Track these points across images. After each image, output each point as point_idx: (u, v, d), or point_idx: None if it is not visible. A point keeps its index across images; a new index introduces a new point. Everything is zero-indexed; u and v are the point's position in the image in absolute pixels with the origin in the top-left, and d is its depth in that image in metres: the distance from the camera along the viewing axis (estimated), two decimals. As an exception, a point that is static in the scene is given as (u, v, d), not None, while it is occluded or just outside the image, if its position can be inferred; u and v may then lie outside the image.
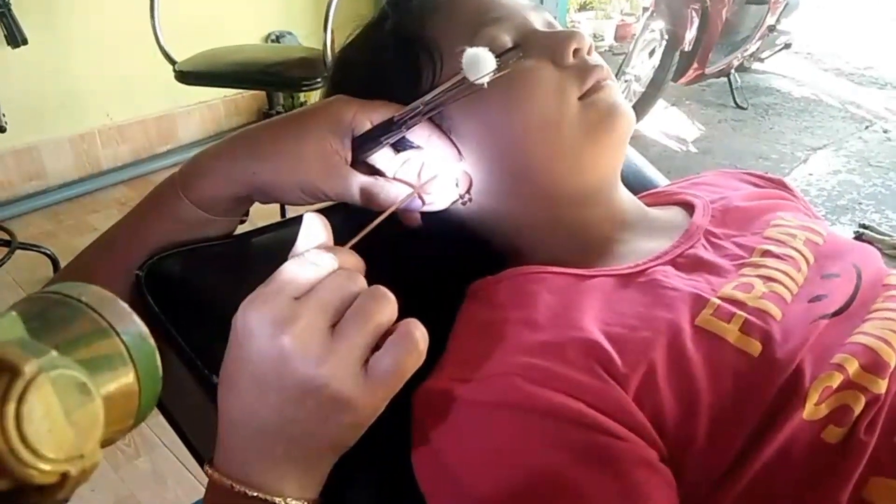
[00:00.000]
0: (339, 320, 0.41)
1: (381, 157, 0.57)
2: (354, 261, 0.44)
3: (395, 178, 0.58)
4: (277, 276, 0.42)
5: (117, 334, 0.27)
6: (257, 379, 0.41)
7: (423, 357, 0.42)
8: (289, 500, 0.43)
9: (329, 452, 0.45)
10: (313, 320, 0.40)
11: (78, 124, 2.70)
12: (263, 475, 0.43)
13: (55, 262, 2.12)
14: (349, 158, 0.56)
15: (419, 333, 0.42)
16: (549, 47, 0.58)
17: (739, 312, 0.50)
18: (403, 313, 0.44)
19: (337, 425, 0.42)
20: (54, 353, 0.23)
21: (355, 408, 0.41)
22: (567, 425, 0.45)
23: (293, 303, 0.40)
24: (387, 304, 0.42)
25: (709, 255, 0.58)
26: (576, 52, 0.58)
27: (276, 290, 0.41)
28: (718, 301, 0.51)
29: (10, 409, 0.21)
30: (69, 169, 2.70)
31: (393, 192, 0.56)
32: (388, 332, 0.42)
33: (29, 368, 0.21)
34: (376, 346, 0.41)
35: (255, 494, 0.43)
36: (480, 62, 0.51)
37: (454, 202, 0.60)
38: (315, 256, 0.42)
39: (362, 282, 0.43)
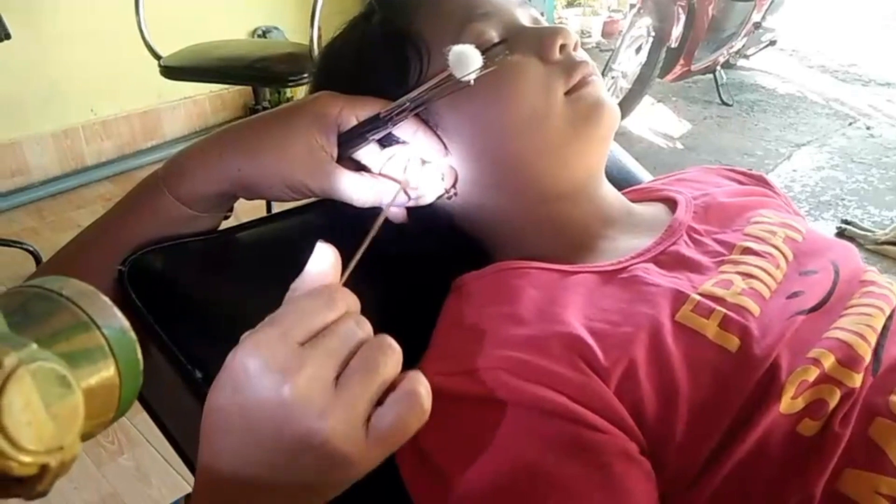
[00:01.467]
0: (343, 371, 0.39)
1: (367, 153, 0.58)
2: (353, 301, 0.42)
3: (380, 174, 0.58)
4: (284, 317, 0.39)
5: (98, 328, 0.27)
6: (252, 426, 0.38)
7: (427, 415, 0.39)
8: None
9: (319, 501, 0.42)
10: (319, 370, 0.37)
11: (62, 120, 2.68)
12: None
13: (38, 259, 2.10)
14: (335, 154, 0.56)
15: (423, 390, 0.39)
16: (536, 43, 0.58)
17: (718, 308, 0.51)
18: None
19: (332, 480, 0.40)
20: (34, 345, 0.23)
21: (352, 465, 0.38)
22: (550, 418, 0.46)
23: (298, 350, 0.38)
24: (392, 356, 0.39)
25: (690, 251, 0.59)
26: (562, 47, 0.58)
27: (282, 333, 0.38)
28: (698, 297, 0.52)
29: (-10, 401, 0.21)
30: (52, 165, 2.68)
31: (378, 188, 0.56)
32: (392, 385, 0.39)
33: (9, 361, 0.22)
34: (379, 400, 0.39)
35: None
36: (467, 59, 0.51)
37: (440, 196, 0.60)
38: (328, 300, 0.40)
39: (368, 328, 0.40)
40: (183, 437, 0.65)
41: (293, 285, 0.41)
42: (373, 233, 0.45)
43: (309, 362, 0.37)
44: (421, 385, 0.39)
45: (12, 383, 0.21)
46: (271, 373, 0.37)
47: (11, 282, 2.09)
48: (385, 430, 0.38)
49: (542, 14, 0.64)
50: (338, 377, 0.38)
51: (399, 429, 0.39)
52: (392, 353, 0.40)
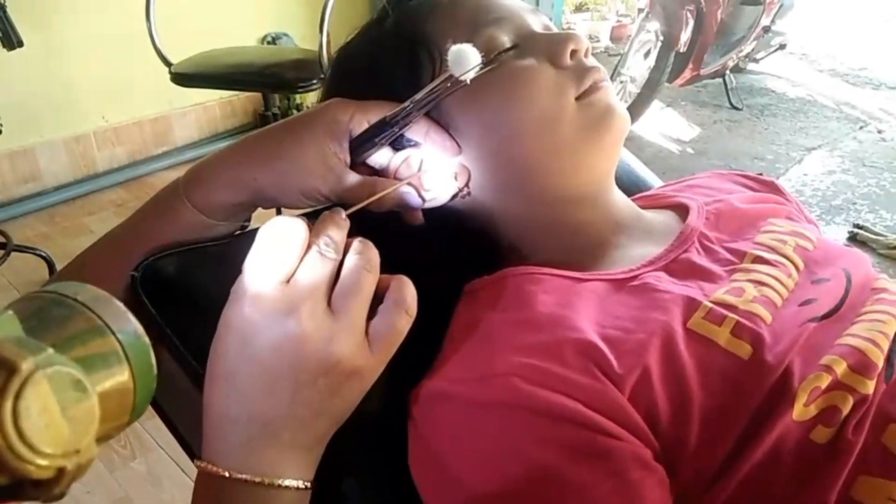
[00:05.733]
0: (333, 293, 0.44)
1: (380, 157, 0.58)
2: (319, 223, 0.47)
3: (394, 178, 0.58)
4: (261, 263, 0.43)
5: (112, 333, 0.28)
6: (267, 371, 0.43)
7: (415, 313, 0.46)
8: (288, 481, 0.45)
9: (333, 427, 0.47)
10: (314, 304, 0.42)
11: (74, 126, 2.70)
12: (263, 464, 0.44)
13: (51, 265, 2.12)
14: (348, 160, 0.56)
15: (409, 293, 0.45)
16: (548, 48, 0.58)
17: (731, 315, 0.51)
18: None
19: (346, 396, 0.45)
20: (50, 350, 0.23)
21: (363, 375, 0.45)
22: (564, 424, 0.46)
23: (287, 289, 0.42)
24: (372, 269, 0.45)
25: (702, 260, 0.59)
26: (573, 53, 0.58)
27: (262, 278, 0.43)
28: (710, 305, 0.52)
29: (8, 405, 0.21)
30: (65, 171, 2.70)
31: (390, 188, 0.56)
32: (378, 292, 0.45)
33: (26, 366, 0.22)
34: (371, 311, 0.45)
35: (250, 478, 0.44)
36: (466, 58, 0.51)
37: (454, 196, 0.60)
38: (279, 233, 0.44)
39: (340, 244, 0.45)
40: (194, 439, 0.65)
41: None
42: (366, 203, 0.52)
43: (303, 299, 0.42)
44: (406, 289, 0.46)
45: (29, 387, 0.22)
46: (275, 318, 0.42)
47: (24, 287, 2.10)
48: (382, 336, 0.45)
49: (550, 19, 0.65)
50: (330, 305, 0.44)
51: (394, 334, 0.45)
52: (371, 266, 0.45)
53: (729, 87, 3.75)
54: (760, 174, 0.75)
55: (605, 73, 0.60)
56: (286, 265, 0.43)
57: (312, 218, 0.48)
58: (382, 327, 0.45)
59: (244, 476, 0.44)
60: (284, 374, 0.43)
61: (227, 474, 0.44)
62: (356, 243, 0.46)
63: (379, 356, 0.45)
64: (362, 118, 0.56)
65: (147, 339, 0.29)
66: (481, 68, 0.52)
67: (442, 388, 0.50)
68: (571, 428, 0.46)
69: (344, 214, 0.48)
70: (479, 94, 0.55)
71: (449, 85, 0.53)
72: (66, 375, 0.23)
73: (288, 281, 0.43)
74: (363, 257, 0.45)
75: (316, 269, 0.43)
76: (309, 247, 0.45)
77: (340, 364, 0.43)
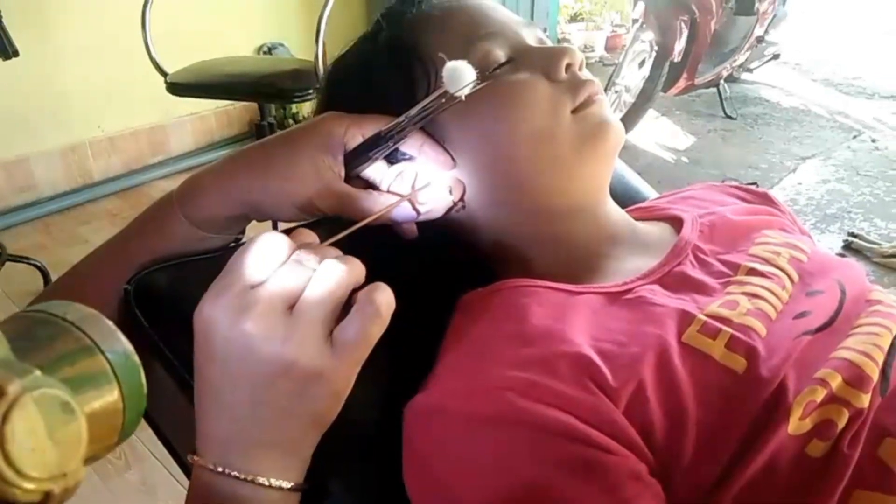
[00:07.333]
0: (297, 301, 0.43)
1: (375, 171, 0.58)
2: (308, 238, 0.47)
3: (388, 191, 0.58)
4: (233, 268, 0.43)
5: (101, 352, 0.27)
6: (225, 367, 0.43)
7: (387, 321, 0.44)
8: (272, 480, 0.45)
9: (310, 430, 0.46)
10: (270, 303, 0.42)
11: (69, 136, 2.70)
12: (242, 459, 0.45)
13: (45, 274, 2.11)
14: (342, 173, 0.56)
15: (382, 298, 0.44)
16: (543, 62, 0.58)
17: (725, 329, 0.51)
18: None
19: (312, 399, 0.44)
20: (38, 372, 0.23)
21: (327, 379, 0.43)
22: (559, 439, 0.45)
23: (250, 290, 0.42)
24: (340, 276, 0.43)
25: (696, 272, 0.59)
26: (568, 66, 0.59)
27: (231, 280, 0.43)
28: (705, 318, 0.51)
29: (-7, 429, 0.21)
30: (60, 180, 2.69)
31: (386, 204, 0.56)
32: (353, 299, 0.44)
33: (12, 389, 0.22)
34: (345, 314, 0.44)
35: (229, 472, 0.44)
36: (460, 75, 0.51)
37: (449, 210, 0.60)
38: (267, 243, 0.44)
39: (319, 256, 0.44)
40: (186, 451, 0.65)
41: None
42: (361, 224, 0.52)
43: (261, 298, 0.42)
44: (378, 294, 0.44)
45: (16, 410, 0.22)
46: (229, 314, 0.42)
47: (19, 297, 2.09)
48: (348, 340, 0.43)
49: (545, 29, 0.65)
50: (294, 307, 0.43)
51: (361, 337, 0.43)
52: (338, 272, 0.43)
53: (723, 96, 3.76)
54: (754, 183, 0.75)
55: (599, 87, 0.60)
56: (258, 273, 0.43)
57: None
58: (348, 330, 0.44)
59: (223, 469, 0.44)
60: (240, 371, 0.43)
61: (211, 466, 0.45)
62: (335, 252, 0.46)
63: (344, 359, 0.44)
64: (357, 132, 0.56)
65: (137, 359, 0.29)
66: (476, 84, 0.52)
67: (436, 403, 0.50)
68: (566, 443, 0.45)
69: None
70: (474, 108, 0.55)
71: (444, 101, 0.53)
72: (53, 398, 0.23)
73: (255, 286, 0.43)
74: (336, 263, 0.44)
75: (286, 278, 0.43)
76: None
77: (297, 365, 0.42)
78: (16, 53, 2.25)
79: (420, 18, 0.62)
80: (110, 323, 0.29)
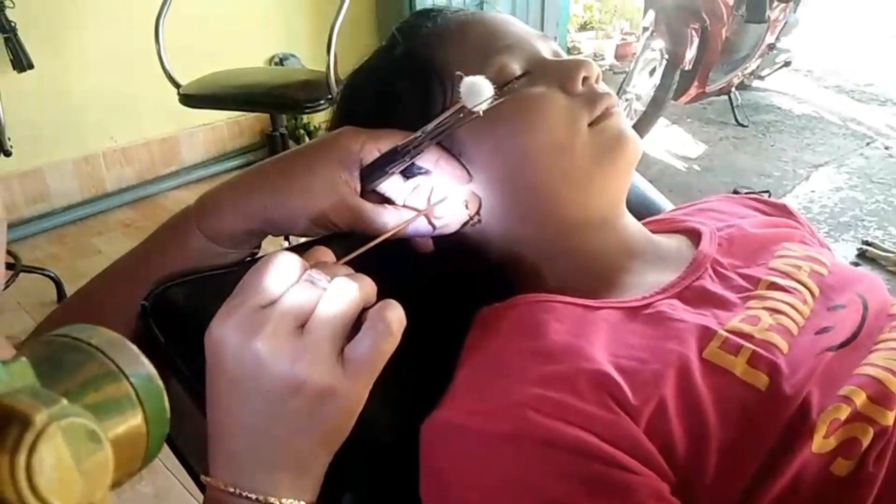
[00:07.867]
0: (308, 320, 0.43)
1: (391, 185, 0.58)
2: (324, 256, 0.47)
3: (404, 205, 0.58)
4: (243, 289, 0.44)
5: (126, 377, 0.27)
6: (237, 387, 0.43)
7: (399, 339, 0.44)
8: (284, 500, 0.44)
9: (322, 448, 0.46)
10: (281, 322, 0.42)
11: (82, 147, 2.72)
12: (254, 480, 0.44)
13: (59, 285, 2.12)
14: (358, 188, 0.56)
15: (394, 316, 0.44)
16: (559, 75, 0.58)
17: (747, 345, 0.50)
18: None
19: (324, 417, 0.44)
20: (64, 401, 0.23)
21: (339, 396, 0.43)
22: (580, 458, 0.45)
23: (260, 310, 0.42)
24: (350, 294, 0.43)
25: (715, 287, 0.58)
26: (585, 79, 0.59)
27: (242, 300, 0.43)
28: (726, 334, 0.51)
29: (21, 459, 0.21)
30: (73, 191, 2.71)
31: (402, 220, 0.56)
32: (364, 317, 0.44)
33: (40, 418, 0.21)
34: (356, 332, 0.44)
35: (240, 493, 0.44)
36: (478, 90, 0.51)
37: (464, 224, 0.60)
38: (279, 263, 0.44)
39: (326, 281, 0.44)
40: (202, 467, 0.65)
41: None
42: (377, 241, 0.51)
43: (271, 318, 0.42)
44: (391, 312, 0.44)
45: (43, 441, 0.21)
46: (239, 334, 0.42)
47: (33, 308, 2.10)
48: (359, 358, 0.43)
49: (555, 38, 0.65)
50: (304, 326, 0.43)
51: (373, 355, 0.43)
52: (349, 291, 0.43)
53: (734, 104, 3.75)
54: (766, 192, 0.75)
55: (616, 99, 0.60)
56: (268, 292, 0.43)
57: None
58: (359, 348, 0.43)
59: (235, 490, 0.44)
60: (251, 390, 0.43)
61: (223, 486, 0.44)
62: (346, 270, 0.46)
63: (356, 377, 0.43)
64: (373, 147, 0.56)
65: (160, 382, 0.29)
66: (494, 100, 0.51)
67: (454, 420, 0.50)
68: (587, 461, 0.45)
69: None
70: (491, 121, 0.55)
71: (461, 116, 0.53)
72: (80, 427, 0.23)
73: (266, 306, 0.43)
74: (348, 281, 0.44)
75: (298, 296, 0.43)
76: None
77: (308, 384, 0.42)
78: (31, 66, 2.29)
79: (436, 32, 0.62)
80: (134, 347, 0.29)
